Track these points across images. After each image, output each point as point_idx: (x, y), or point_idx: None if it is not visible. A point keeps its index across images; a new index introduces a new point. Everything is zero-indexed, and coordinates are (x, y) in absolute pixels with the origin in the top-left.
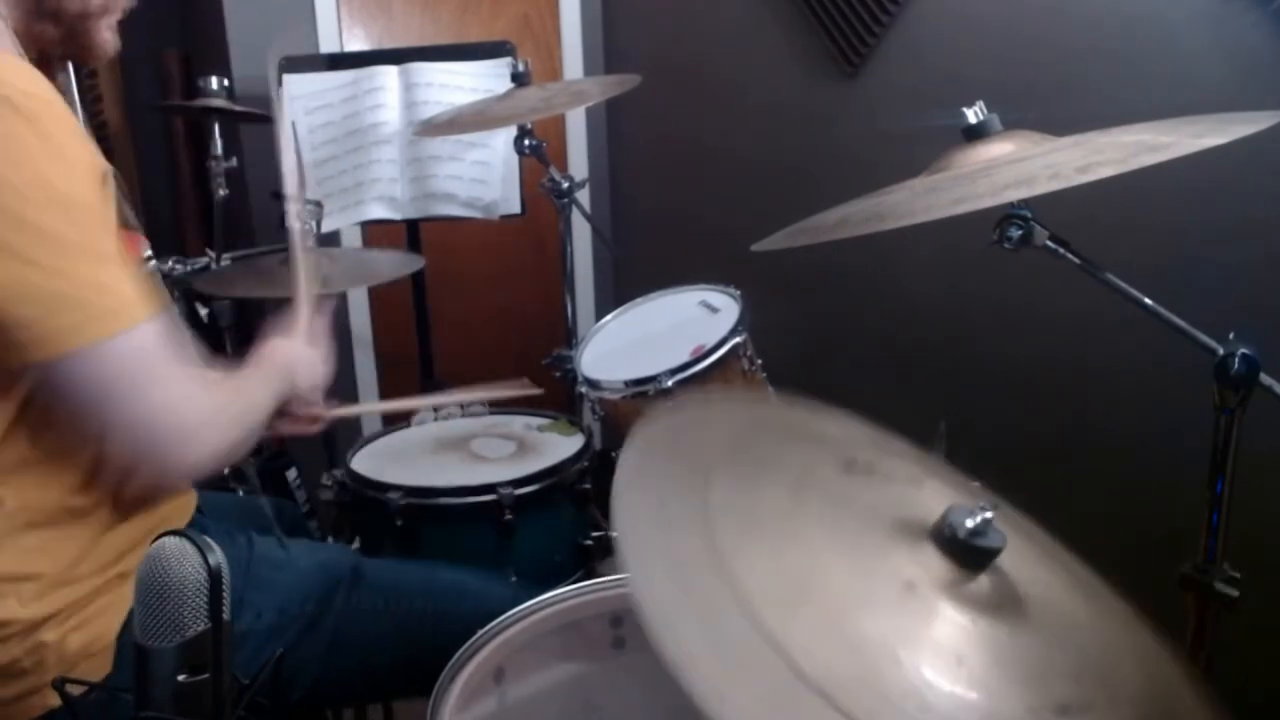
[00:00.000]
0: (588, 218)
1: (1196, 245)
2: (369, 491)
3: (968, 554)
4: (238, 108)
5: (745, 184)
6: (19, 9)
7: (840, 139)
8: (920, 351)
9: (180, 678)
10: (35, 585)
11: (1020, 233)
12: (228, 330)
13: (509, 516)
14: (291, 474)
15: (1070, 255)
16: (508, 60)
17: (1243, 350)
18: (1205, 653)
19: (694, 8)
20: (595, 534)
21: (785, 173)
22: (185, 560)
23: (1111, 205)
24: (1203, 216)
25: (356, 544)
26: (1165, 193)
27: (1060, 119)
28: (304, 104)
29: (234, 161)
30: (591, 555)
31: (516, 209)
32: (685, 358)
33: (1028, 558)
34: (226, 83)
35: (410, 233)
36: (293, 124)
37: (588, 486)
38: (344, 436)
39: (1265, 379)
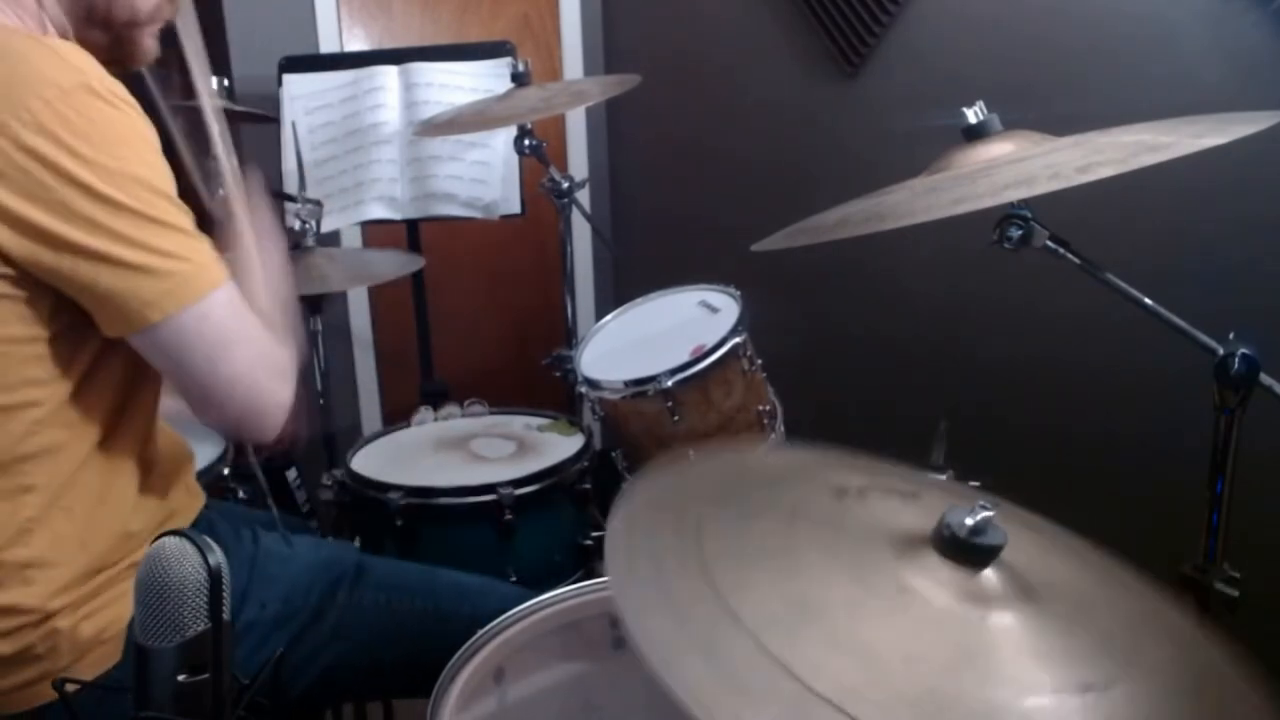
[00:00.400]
0: (588, 218)
1: (1196, 245)
2: (369, 491)
3: (970, 553)
4: (238, 108)
5: (745, 184)
6: (71, 16)
7: (840, 139)
8: (920, 351)
9: (180, 678)
10: (61, 572)
11: (1020, 233)
12: None
13: (509, 516)
14: (291, 474)
15: (1070, 255)
16: (508, 60)
17: (1243, 350)
18: None
19: (694, 8)
20: (595, 534)
21: (785, 173)
22: (185, 560)
23: (1111, 205)
24: (1203, 216)
25: (356, 544)
26: (1165, 193)
27: (1060, 119)
28: (304, 104)
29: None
30: (591, 555)
31: (516, 209)
32: (685, 358)
33: (1034, 549)
34: (226, 83)
35: (410, 233)
36: (293, 124)
37: (588, 486)
38: (344, 436)
39: (1265, 379)
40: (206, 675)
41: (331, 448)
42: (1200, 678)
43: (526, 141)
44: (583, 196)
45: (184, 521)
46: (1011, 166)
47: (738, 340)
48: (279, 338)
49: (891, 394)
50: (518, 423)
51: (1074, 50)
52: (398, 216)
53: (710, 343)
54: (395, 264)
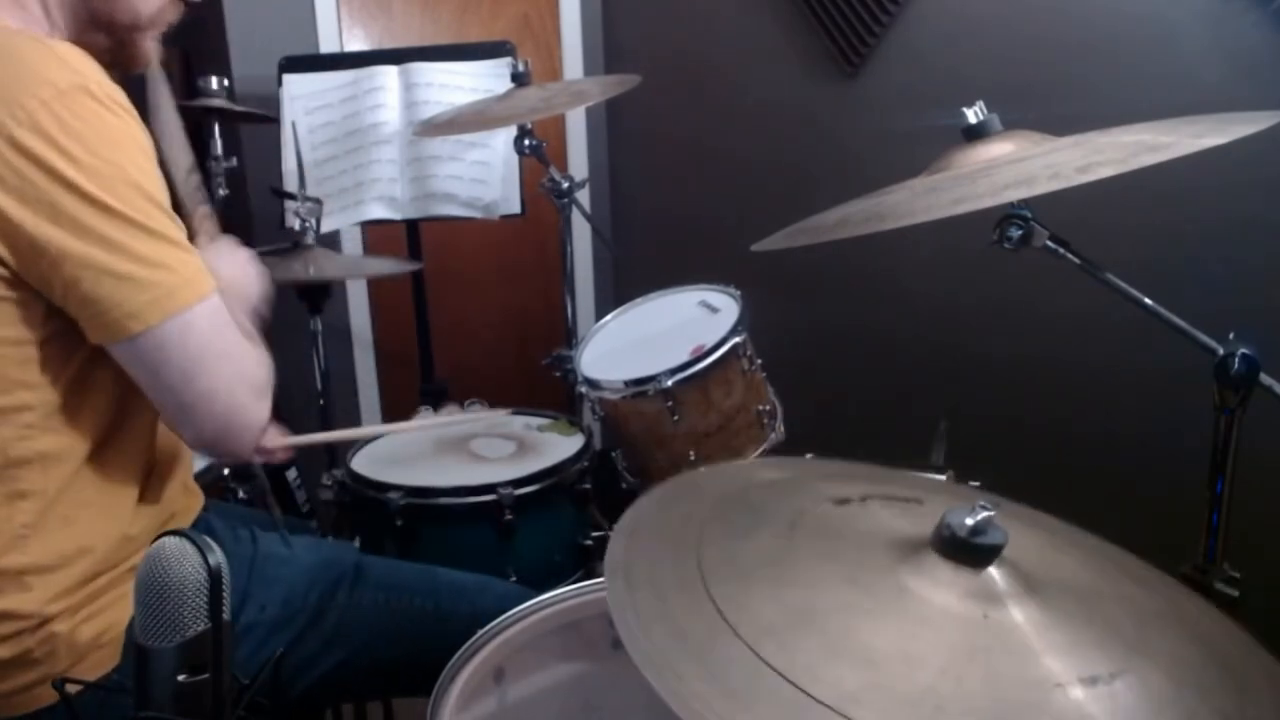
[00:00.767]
0: (588, 218)
1: (1196, 245)
2: (369, 491)
3: (970, 553)
4: (238, 108)
5: (745, 184)
6: (74, 19)
7: (840, 139)
8: (920, 351)
9: (180, 678)
10: (59, 577)
11: (1020, 233)
12: None
13: (509, 516)
14: (291, 474)
15: (1070, 255)
16: (508, 60)
17: (1243, 350)
18: None
19: (694, 8)
20: (595, 534)
21: (785, 173)
22: (185, 560)
23: (1111, 205)
24: (1203, 216)
25: (356, 544)
26: (1165, 193)
27: (1060, 119)
28: (304, 104)
29: (234, 161)
30: (591, 555)
31: (516, 209)
32: (685, 357)
33: (1036, 545)
34: (226, 83)
35: (410, 233)
36: (293, 124)
37: (588, 486)
38: None
39: (1265, 379)
40: (206, 675)
41: (331, 448)
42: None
43: (526, 141)
44: (583, 196)
45: (183, 523)
46: (1011, 166)
47: (738, 340)
48: (259, 355)
49: (891, 394)
50: (518, 423)
51: (1074, 50)
52: (398, 216)
53: (710, 343)
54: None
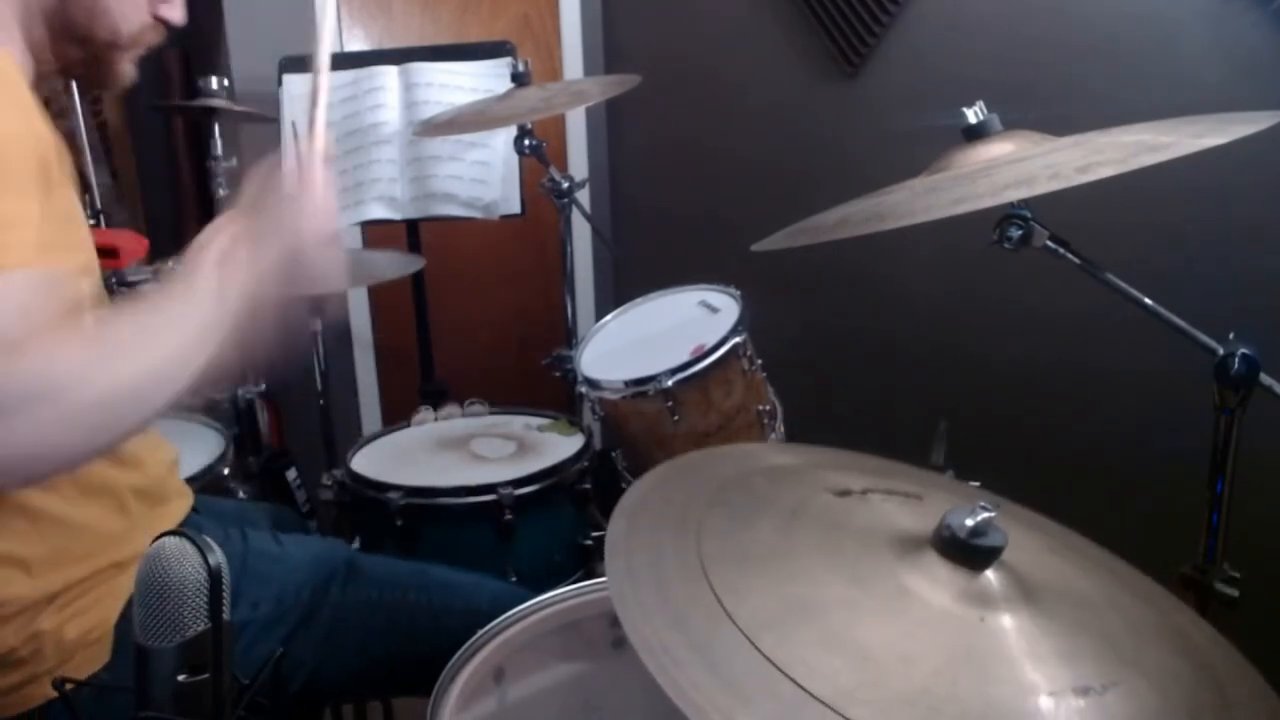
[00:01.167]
0: (588, 218)
1: (1196, 245)
2: (369, 491)
3: (970, 554)
4: (238, 108)
5: (745, 184)
6: (46, 27)
7: (840, 139)
8: (920, 351)
9: (180, 678)
10: (26, 567)
11: (1020, 233)
12: None
13: (509, 516)
14: (291, 474)
15: (1070, 255)
16: (508, 60)
17: (1243, 350)
18: None
19: (694, 7)
20: (595, 534)
21: (785, 173)
22: (185, 560)
23: (1111, 205)
24: (1203, 216)
25: (356, 544)
26: (1165, 193)
27: (1060, 119)
28: (304, 104)
29: (234, 161)
30: (591, 555)
31: (516, 209)
32: (685, 357)
33: (1036, 550)
34: (226, 82)
35: (410, 233)
36: (293, 124)
37: (588, 486)
38: (344, 437)
39: (1265, 379)
40: (206, 675)
41: (331, 448)
42: (1200, 680)
43: (526, 141)
44: (583, 196)
45: (171, 521)
46: (1011, 166)
47: (738, 340)
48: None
49: (891, 394)
50: (518, 423)
51: (1074, 50)
52: (398, 216)
53: (710, 342)
54: (395, 264)
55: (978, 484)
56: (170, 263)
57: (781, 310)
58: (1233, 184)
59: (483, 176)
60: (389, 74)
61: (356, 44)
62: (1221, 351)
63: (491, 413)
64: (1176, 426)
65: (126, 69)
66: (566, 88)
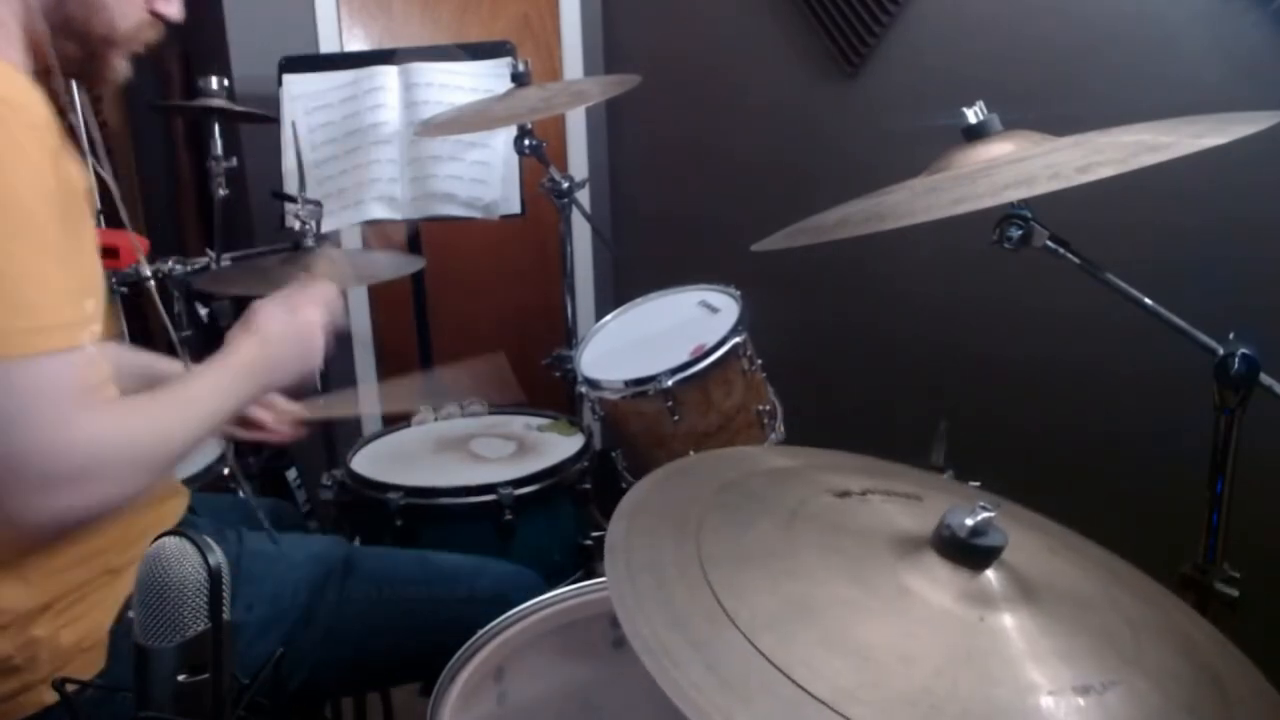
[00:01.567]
0: (588, 218)
1: (1196, 245)
2: (369, 491)
3: (970, 554)
4: (238, 108)
5: (745, 184)
6: (44, 24)
7: (840, 139)
8: (920, 351)
9: (180, 678)
10: (21, 575)
11: (1020, 233)
12: (228, 330)
13: (509, 516)
14: (291, 474)
15: (1070, 255)
16: (508, 60)
17: (1243, 350)
18: None
19: (694, 7)
20: (595, 534)
21: (785, 173)
22: (185, 560)
23: (1111, 205)
24: (1203, 216)
25: (356, 544)
26: (1165, 193)
27: (1060, 119)
28: (304, 104)
29: (234, 161)
30: (591, 555)
31: (516, 209)
32: (685, 357)
33: (1036, 550)
34: (226, 83)
35: (410, 233)
36: (293, 124)
37: (588, 486)
38: (344, 436)
39: (1265, 379)
40: (206, 675)
41: (331, 448)
42: (1201, 679)
43: (526, 141)
44: (583, 196)
45: (167, 523)
46: (1011, 166)
47: (738, 340)
48: (93, 434)
49: (891, 394)
50: (518, 423)
51: (1074, 50)
52: (398, 216)
53: (710, 343)
54: (395, 264)
55: (978, 484)
56: (170, 263)
57: (781, 310)
58: (1233, 184)
59: (483, 176)
60: (389, 74)
61: (356, 44)
62: (1221, 351)
63: (491, 413)
64: (1176, 426)
65: (121, 65)
66: (566, 88)
